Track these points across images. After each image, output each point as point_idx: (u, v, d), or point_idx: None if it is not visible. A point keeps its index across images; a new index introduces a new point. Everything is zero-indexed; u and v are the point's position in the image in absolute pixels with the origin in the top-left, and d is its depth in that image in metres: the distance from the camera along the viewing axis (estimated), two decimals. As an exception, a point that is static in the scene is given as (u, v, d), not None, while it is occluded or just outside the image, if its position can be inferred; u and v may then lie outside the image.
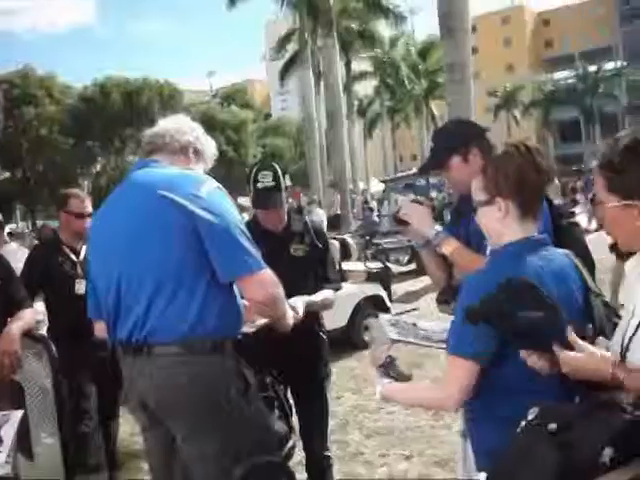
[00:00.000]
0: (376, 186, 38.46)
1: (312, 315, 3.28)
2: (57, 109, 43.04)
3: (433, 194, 17.81)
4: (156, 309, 2.31)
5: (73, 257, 4.24)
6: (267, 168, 3.31)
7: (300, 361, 3.31)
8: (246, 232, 2.36)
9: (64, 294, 4.09)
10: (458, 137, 2.86)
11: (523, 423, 1.67)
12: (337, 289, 3.59)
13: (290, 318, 2.75)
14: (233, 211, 2.40)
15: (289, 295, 3.11)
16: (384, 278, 8.72)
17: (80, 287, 3.97)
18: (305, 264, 3.41)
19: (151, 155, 2.61)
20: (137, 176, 2.52)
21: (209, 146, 2.73)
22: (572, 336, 1.74)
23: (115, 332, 2.46)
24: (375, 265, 8.77)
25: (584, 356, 1.73)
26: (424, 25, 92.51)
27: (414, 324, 2.69)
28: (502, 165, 2.07)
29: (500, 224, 2.06)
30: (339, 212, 24.20)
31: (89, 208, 4.28)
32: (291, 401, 3.18)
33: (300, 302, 3.12)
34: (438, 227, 2.70)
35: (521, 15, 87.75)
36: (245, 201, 30.79)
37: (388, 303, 8.51)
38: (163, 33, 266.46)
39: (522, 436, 1.67)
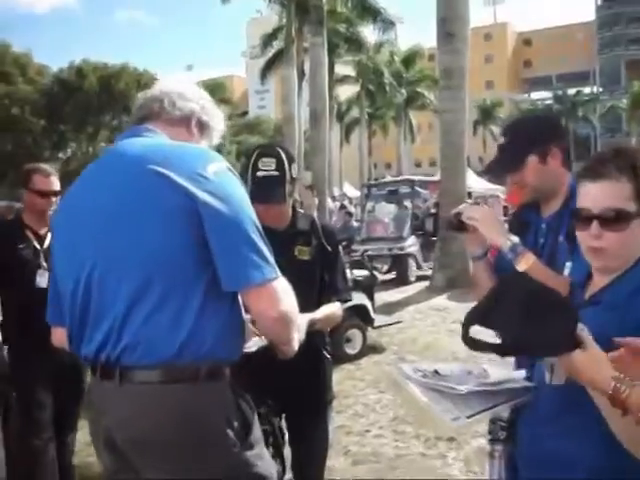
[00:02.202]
0: (350, 191, 38.15)
1: (316, 332, 2.73)
2: (31, 89, 41.92)
3: (428, 202, 17.40)
4: (136, 318, 1.74)
5: (36, 244, 3.64)
6: (270, 153, 2.73)
7: (301, 386, 2.79)
8: (260, 229, 1.84)
9: (22, 286, 3.51)
10: (538, 134, 2.38)
11: None
12: (346, 301, 3.06)
13: (296, 343, 2.13)
14: (247, 201, 1.86)
15: None
16: (369, 287, 8.20)
17: (42, 280, 3.44)
18: (311, 269, 2.87)
19: (143, 123, 2.04)
20: (124, 146, 1.94)
21: (217, 119, 2.18)
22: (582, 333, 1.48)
23: (79, 346, 1.87)
24: (360, 273, 8.25)
25: (583, 355, 1.47)
26: (405, 37, 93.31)
27: (436, 371, 2.10)
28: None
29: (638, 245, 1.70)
30: (316, 215, 23.74)
31: (56, 185, 3.69)
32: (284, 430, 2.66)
33: (303, 322, 2.58)
34: (514, 237, 2.20)
35: (503, 33, 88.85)
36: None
37: (372, 314, 8.02)
38: (145, 23, 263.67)
39: None
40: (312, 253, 2.87)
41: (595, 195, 1.69)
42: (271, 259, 1.82)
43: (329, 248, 2.95)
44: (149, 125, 2.02)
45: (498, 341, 1.54)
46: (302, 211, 3.10)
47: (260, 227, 1.85)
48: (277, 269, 1.82)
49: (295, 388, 2.75)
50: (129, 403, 1.75)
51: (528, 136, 2.37)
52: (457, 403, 1.79)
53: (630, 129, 58.11)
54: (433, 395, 1.85)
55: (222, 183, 1.80)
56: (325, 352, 3.02)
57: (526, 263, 2.15)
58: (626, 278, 1.71)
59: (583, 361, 1.47)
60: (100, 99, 40.88)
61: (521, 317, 1.48)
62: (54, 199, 3.60)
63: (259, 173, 2.68)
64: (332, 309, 2.87)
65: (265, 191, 2.68)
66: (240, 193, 1.85)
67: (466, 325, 1.59)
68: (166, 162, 1.78)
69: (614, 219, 1.65)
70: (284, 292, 1.83)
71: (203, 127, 2.12)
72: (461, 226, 2.30)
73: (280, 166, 2.70)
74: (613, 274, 1.73)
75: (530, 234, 2.41)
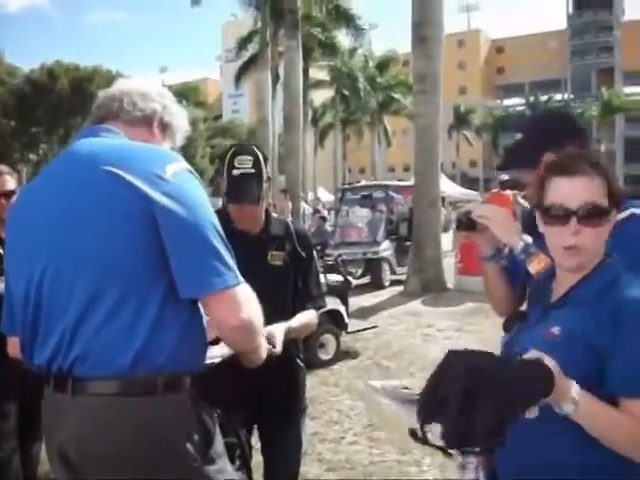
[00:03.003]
0: (324, 196, 38.12)
1: (290, 339, 2.66)
2: (1, 90, 41.36)
3: (401, 207, 17.36)
4: (88, 326, 1.66)
5: None
6: (246, 152, 2.68)
7: (275, 394, 2.72)
8: (222, 233, 1.74)
9: None
10: (555, 131, 2.28)
11: None
12: (320, 308, 3.00)
13: (264, 352, 2.07)
14: (207, 204, 1.76)
15: (266, 312, 2.55)
16: (342, 292, 8.13)
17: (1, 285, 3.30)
18: (284, 275, 2.81)
19: (102, 123, 1.95)
20: (79, 146, 1.84)
21: (180, 120, 2.09)
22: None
23: (32, 355, 1.78)
24: (334, 278, 8.19)
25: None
26: (379, 42, 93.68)
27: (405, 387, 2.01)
28: (606, 165, 1.67)
29: (603, 243, 1.68)
30: (290, 219, 23.66)
31: (10, 185, 3.54)
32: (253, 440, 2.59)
33: (279, 332, 2.51)
34: (527, 237, 2.10)
35: (477, 40, 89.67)
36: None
37: (346, 319, 7.95)
38: (120, 24, 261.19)
39: None
40: (285, 258, 2.82)
41: (572, 191, 1.66)
42: (233, 265, 1.72)
43: (303, 254, 2.89)
44: (108, 125, 1.93)
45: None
46: (275, 215, 3.04)
47: (222, 231, 1.75)
48: (239, 275, 1.72)
49: (268, 396, 2.68)
50: (82, 416, 1.67)
51: (545, 133, 2.28)
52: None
53: (600, 136, 58.91)
54: (401, 404, 1.78)
55: (181, 185, 1.71)
56: (299, 360, 2.96)
57: (538, 264, 2.06)
58: (594, 278, 1.69)
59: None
60: (72, 101, 40.46)
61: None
62: (10, 200, 3.44)
63: (235, 172, 2.62)
64: (308, 317, 2.82)
65: (241, 190, 2.63)
66: (200, 195, 1.75)
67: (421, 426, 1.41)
68: (121, 162, 1.70)
69: (592, 214, 1.64)
70: (246, 299, 1.73)
71: (166, 128, 2.03)
72: (471, 225, 2.20)
73: (256, 164, 2.65)
74: (581, 273, 1.71)
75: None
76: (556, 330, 1.66)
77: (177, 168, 1.74)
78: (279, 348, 2.43)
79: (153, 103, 1.98)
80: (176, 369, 1.71)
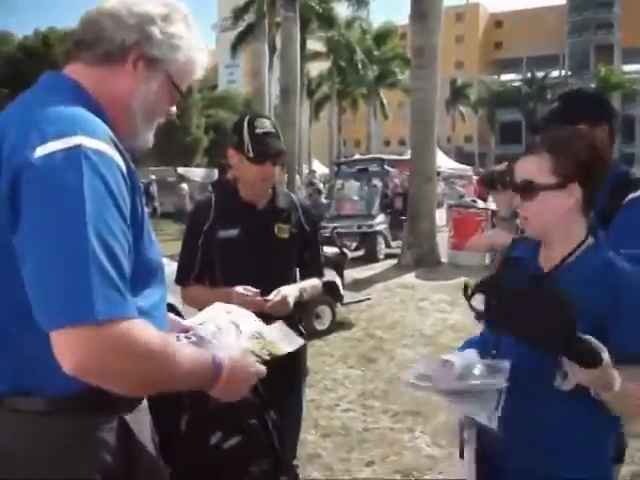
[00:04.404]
0: (319, 169, 38.11)
1: (294, 311, 2.78)
2: (-6, 56, 40.91)
3: (397, 181, 17.45)
4: None
5: None
6: (263, 117, 2.83)
7: (278, 360, 2.84)
8: (116, 242, 1.28)
9: None
10: (593, 106, 2.45)
11: None
12: (321, 278, 3.14)
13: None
14: (97, 198, 1.26)
15: (272, 285, 2.68)
16: (339, 264, 8.26)
17: None
18: (290, 247, 2.92)
19: (71, 64, 1.53)
20: None
21: (180, 53, 1.55)
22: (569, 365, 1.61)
23: None
24: (330, 250, 8.30)
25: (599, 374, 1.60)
26: (376, 14, 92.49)
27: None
28: (578, 146, 1.81)
29: (568, 215, 1.82)
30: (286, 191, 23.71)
31: None
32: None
33: (292, 292, 2.68)
34: None
35: (475, 14, 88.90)
36: (186, 171, 30.02)
37: (342, 291, 8.09)
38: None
39: None
40: (292, 231, 2.91)
41: (519, 169, 1.86)
42: (117, 287, 1.26)
43: (307, 227, 3.00)
44: (74, 66, 1.52)
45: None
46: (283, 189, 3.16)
47: (121, 239, 1.30)
48: (126, 306, 1.27)
49: (272, 362, 2.80)
50: None
51: (582, 107, 2.43)
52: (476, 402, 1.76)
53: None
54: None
55: (53, 172, 1.25)
56: (300, 327, 3.08)
57: None
58: (583, 263, 1.81)
59: (598, 379, 1.62)
60: (67, 68, 40.09)
61: (520, 302, 1.59)
62: None
63: (257, 130, 2.72)
64: (315, 282, 2.97)
65: (268, 145, 2.74)
66: (82, 185, 1.25)
67: (472, 292, 1.73)
68: None
69: (526, 190, 1.83)
70: (120, 341, 1.24)
71: (151, 65, 1.52)
72: (493, 184, 2.39)
73: (274, 126, 2.79)
74: (556, 251, 1.85)
75: None
76: None
77: (57, 147, 1.27)
78: (292, 305, 2.63)
79: (123, 31, 1.48)
80: (53, 391, 1.38)
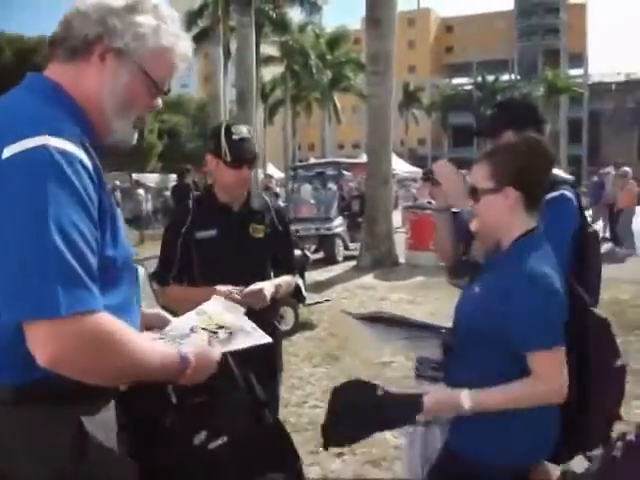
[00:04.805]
0: (274, 172, 38.18)
1: (271, 304, 2.94)
2: (-60, 61, 39.91)
3: (352, 184, 17.67)
4: None
5: None
6: (239, 123, 2.98)
7: (258, 352, 2.99)
8: (80, 237, 1.32)
9: None
10: (520, 115, 2.76)
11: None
12: (294, 275, 3.31)
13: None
14: (61, 198, 1.31)
15: (249, 283, 2.82)
16: (301, 266, 8.42)
17: None
18: (264, 247, 3.08)
19: (50, 64, 1.58)
20: None
21: (148, 41, 1.54)
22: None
23: None
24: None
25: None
26: (329, 18, 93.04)
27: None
28: (514, 153, 2.07)
29: (509, 215, 2.06)
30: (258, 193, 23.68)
31: None
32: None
33: (269, 287, 2.82)
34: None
35: (427, 19, 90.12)
36: (141, 177, 29.67)
37: (304, 292, 8.25)
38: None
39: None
40: (266, 231, 3.07)
41: (469, 176, 2.19)
42: (83, 281, 1.30)
43: (280, 227, 3.16)
44: (50, 68, 1.57)
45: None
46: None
47: (87, 232, 1.35)
48: (92, 299, 1.32)
49: (252, 355, 2.94)
50: None
51: (511, 114, 2.77)
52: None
53: (545, 116, 60.09)
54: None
55: (12, 169, 1.31)
56: (276, 322, 3.24)
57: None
58: (509, 252, 2.09)
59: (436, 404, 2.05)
60: (17, 73, 39.24)
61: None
62: None
63: (234, 136, 2.86)
64: (288, 280, 3.15)
65: (244, 150, 2.88)
66: (45, 184, 1.30)
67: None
68: None
69: (471, 193, 2.13)
70: (88, 333, 1.31)
71: (118, 56, 1.53)
72: (430, 180, 2.69)
73: (250, 132, 2.94)
74: (503, 243, 2.13)
75: None
76: (477, 289, 2.13)
77: (22, 148, 1.32)
78: (268, 299, 2.79)
79: (87, 25, 1.51)
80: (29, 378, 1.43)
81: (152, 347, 1.51)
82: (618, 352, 2.34)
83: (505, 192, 2.03)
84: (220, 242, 2.92)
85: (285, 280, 3.12)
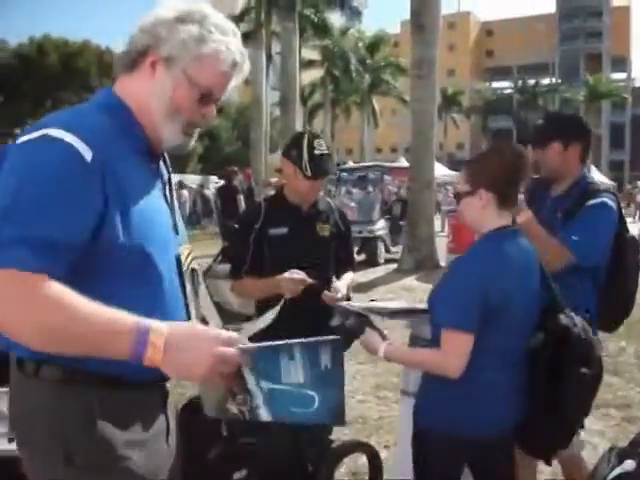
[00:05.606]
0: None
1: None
2: (-12, 64, 40.92)
3: (393, 188, 17.84)
4: None
5: None
6: (319, 137, 3.18)
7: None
8: (45, 213, 1.41)
9: None
10: (568, 127, 3.00)
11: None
12: (354, 271, 3.59)
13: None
14: (38, 179, 1.43)
15: (313, 277, 3.05)
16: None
17: None
18: (329, 244, 3.33)
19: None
20: None
21: (194, 47, 1.61)
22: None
23: None
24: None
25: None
26: (366, 21, 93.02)
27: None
28: (486, 161, 2.37)
29: (480, 214, 2.34)
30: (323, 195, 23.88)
31: None
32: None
33: (344, 283, 3.22)
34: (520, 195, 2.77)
35: (467, 22, 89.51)
36: (183, 178, 30.10)
37: (351, 292, 8.43)
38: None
39: None
40: (331, 230, 3.32)
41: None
42: (19, 236, 1.37)
43: (343, 227, 3.42)
44: (112, 87, 1.71)
45: None
46: (273, 192, 3.56)
47: (64, 212, 1.43)
48: (27, 256, 1.37)
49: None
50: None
51: (559, 125, 3.02)
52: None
53: (587, 120, 59.35)
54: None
55: (9, 154, 1.50)
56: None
57: (525, 216, 2.74)
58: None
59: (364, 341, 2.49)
60: (60, 77, 40.07)
61: None
62: None
63: (316, 152, 3.08)
64: (351, 275, 3.41)
65: (323, 166, 3.11)
66: (30, 165, 1.45)
67: None
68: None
69: (455, 195, 2.50)
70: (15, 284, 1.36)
71: (166, 64, 1.62)
72: None
73: (328, 147, 3.16)
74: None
75: (536, 204, 2.96)
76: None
77: (32, 136, 1.49)
78: (344, 294, 3.07)
79: (143, 35, 1.63)
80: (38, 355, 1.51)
81: (97, 310, 1.41)
82: (588, 360, 2.28)
83: (479, 194, 2.32)
84: (291, 239, 3.17)
85: (350, 277, 3.39)
